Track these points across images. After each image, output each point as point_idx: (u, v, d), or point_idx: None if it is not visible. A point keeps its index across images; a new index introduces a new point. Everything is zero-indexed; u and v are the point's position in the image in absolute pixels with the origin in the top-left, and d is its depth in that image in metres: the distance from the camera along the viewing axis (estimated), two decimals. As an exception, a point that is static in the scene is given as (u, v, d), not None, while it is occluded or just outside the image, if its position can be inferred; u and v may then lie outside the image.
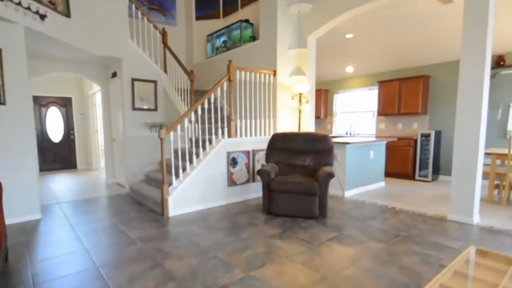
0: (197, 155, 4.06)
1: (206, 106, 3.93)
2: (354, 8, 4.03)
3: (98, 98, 6.70)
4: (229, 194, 4.14)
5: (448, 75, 5.58)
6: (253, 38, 5.43)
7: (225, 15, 6.38)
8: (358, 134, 7.15)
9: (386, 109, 6.23)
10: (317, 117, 7.60)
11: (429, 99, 5.87)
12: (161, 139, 3.51)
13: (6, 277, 2.13)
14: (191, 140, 4.69)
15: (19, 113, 3.32)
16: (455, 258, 2.29)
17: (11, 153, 3.29)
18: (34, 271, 2.20)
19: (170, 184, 3.76)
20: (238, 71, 4.16)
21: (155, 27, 5.07)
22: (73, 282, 2.04)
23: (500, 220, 3.26)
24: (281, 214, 3.51)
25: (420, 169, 5.66)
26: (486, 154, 3.96)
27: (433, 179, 5.62)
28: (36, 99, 6.83)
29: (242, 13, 5.90)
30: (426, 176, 5.58)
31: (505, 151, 4.01)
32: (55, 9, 3.71)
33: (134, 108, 4.84)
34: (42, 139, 7.02)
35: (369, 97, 6.96)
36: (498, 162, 4.65)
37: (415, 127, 6.07)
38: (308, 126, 4.93)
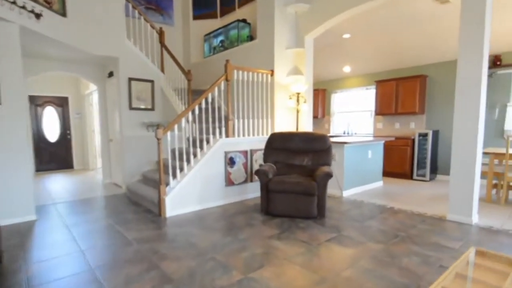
0: (195, 155, 4.03)
1: (203, 105, 3.90)
2: (351, 8, 4.03)
3: (94, 97, 6.65)
4: (227, 194, 4.11)
5: (445, 75, 5.59)
6: (251, 37, 5.41)
7: (222, 14, 6.36)
8: (355, 133, 7.15)
9: (383, 109, 6.23)
10: (315, 116, 7.57)
11: (426, 99, 5.88)
12: (158, 139, 3.48)
13: (1, 279, 2.09)
14: (188, 140, 4.65)
15: (14, 113, 3.28)
16: (456, 259, 2.29)
17: (5, 153, 3.25)
18: (29, 274, 2.17)
19: (167, 184, 3.72)
20: (235, 71, 4.14)
21: (152, 27, 5.04)
22: (69, 285, 2.01)
23: (499, 220, 3.27)
24: (279, 214, 3.49)
25: (418, 169, 5.66)
26: (484, 153, 3.97)
27: (431, 179, 5.63)
28: (32, 99, 6.75)
29: (240, 13, 5.88)
30: (424, 175, 5.59)
31: (503, 150, 4.02)
32: (50, 8, 3.66)
33: (131, 108, 4.80)
34: (38, 139, 6.95)
35: (367, 96, 6.95)
36: (496, 161, 4.66)
37: (413, 126, 6.08)
38: (306, 125, 4.92)
